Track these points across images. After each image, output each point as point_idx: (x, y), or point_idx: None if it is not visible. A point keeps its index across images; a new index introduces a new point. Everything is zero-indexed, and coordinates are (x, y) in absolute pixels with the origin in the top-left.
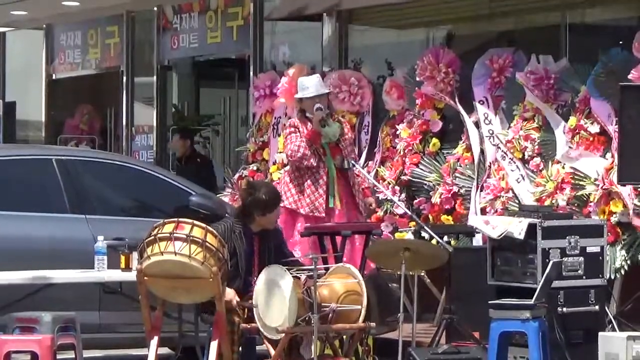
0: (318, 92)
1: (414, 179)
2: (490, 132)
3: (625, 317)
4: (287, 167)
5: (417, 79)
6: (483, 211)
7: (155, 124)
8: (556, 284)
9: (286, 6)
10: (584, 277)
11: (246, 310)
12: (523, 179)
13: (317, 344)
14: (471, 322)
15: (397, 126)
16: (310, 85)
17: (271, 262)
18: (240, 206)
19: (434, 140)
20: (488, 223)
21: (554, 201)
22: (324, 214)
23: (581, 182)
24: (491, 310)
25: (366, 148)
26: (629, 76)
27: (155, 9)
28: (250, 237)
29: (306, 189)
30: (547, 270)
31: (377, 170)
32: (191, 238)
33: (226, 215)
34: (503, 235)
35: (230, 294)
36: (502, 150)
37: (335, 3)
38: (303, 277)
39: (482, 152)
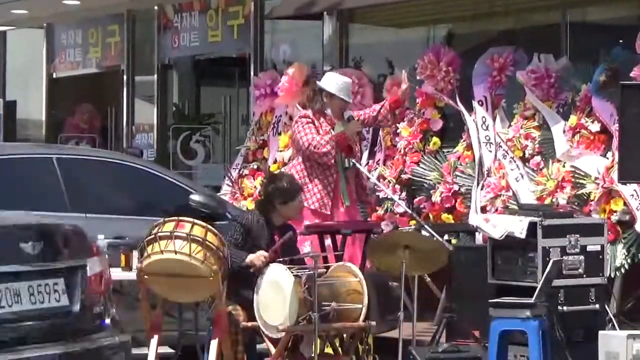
0: (350, 99)
1: (414, 178)
2: (487, 138)
3: (625, 315)
4: (294, 163)
5: (418, 77)
6: (483, 210)
7: (155, 123)
8: (556, 282)
9: (287, 5)
10: (584, 275)
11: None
12: (522, 177)
13: (318, 343)
14: (471, 321)
15: (397, 125)
16: (349, 89)
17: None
18: (262, 198)
19: (435, 138)
20: (488, 221)
21: (554, 200)
22: (329, 212)
23: (582, 181)
24: (491, 309)
25: (367, 147)
26: (631, 74)
27: (156, 7)
28: (271, 231)
29: (317, 184)
30: (548, 269)
31: (377, 169)
32: (191, 237)
33: (226, 212)
34: (504, 235)
35: (255, 255)
36: (503, 149)
37: (337, 2)
38: (304, 276)
39: (480, 157)
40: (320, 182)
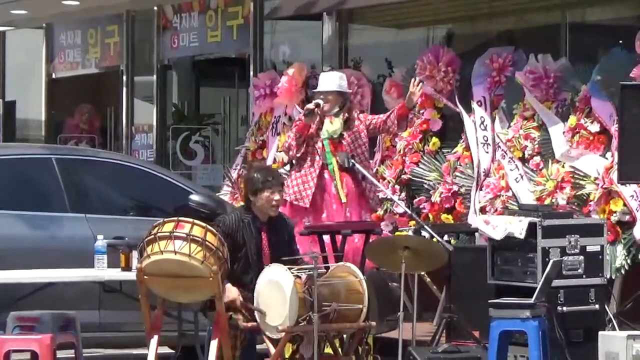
0: (322, 89)
1: (414, 178)
2: (485, 138)
3: (625, 316)
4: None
5: (417, 78)
6: (483, 210)
7: (155, 123)
8: (556, 283)
9: (287, 5)
10: (584, 276)
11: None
12: (522, 178)
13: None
14: (471, 321)
15: None
16: (321, 81)
17: (282, 254)
18: (243, 192)
19: (434, 139)
20: (488, 223)
21: (554, 200)
22: (308, 205)
23: (581, 181)
24: (491, 309)
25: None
26: (631, 74)
27: (155, 8)
28: (258, 228)
29: (297, 177)
30: (547, 269)
31: (377, 169)
32: (191, 237)
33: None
34: (504, 236)
35: (234, 293)
36: (502, 149)
37: (337, 2)
38: (304, 276)
39: (478, 158)
40: (302, 177)
